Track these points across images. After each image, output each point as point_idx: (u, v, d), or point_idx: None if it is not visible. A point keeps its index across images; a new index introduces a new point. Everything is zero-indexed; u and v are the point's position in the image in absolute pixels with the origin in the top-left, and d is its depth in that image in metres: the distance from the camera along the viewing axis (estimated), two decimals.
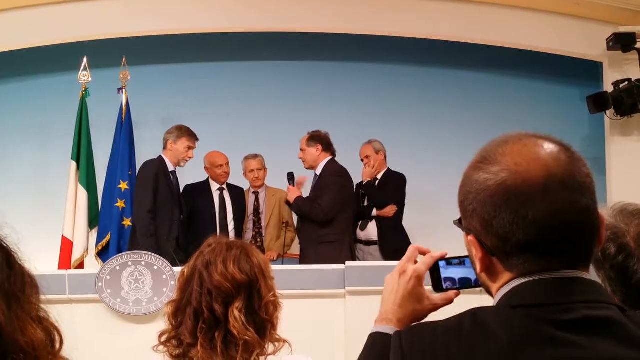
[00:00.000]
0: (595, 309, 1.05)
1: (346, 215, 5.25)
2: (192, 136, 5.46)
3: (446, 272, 1.35)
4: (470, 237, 1.13)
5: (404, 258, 1.38)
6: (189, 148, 5.43)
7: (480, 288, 1.24)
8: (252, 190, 6.00)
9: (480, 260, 1.13)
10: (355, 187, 5.56)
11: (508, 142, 1.10)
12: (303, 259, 5.30)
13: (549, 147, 1.09)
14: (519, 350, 1.02)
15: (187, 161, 5.47)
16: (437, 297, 1.37)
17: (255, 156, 5.97)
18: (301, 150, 5.41)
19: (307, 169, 5.56)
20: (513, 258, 1.08)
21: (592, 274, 1.15)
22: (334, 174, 5.27)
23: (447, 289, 1.35)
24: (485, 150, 1.12)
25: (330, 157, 5.36)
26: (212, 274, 1.87)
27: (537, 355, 1.02)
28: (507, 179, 1.06)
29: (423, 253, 1.39)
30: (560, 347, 1.02)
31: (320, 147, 5.33)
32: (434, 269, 1.36)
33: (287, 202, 5.57)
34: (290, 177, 5.49)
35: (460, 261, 1.34)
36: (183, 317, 1.89)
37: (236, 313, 1.84)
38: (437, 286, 1.35)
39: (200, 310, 1.85)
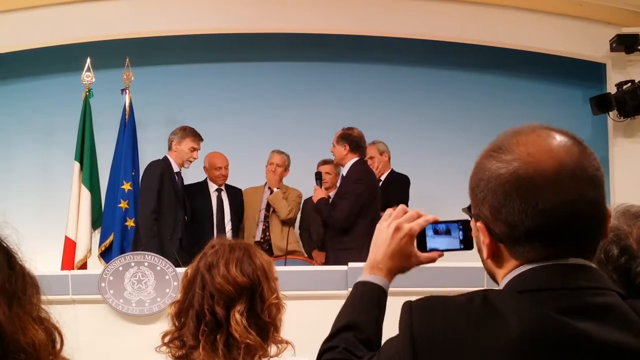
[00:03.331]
0: (598, 296, 1.08)
1: (366, 220, 5.19)
2: (197, 137, 5.47)
3: (432, 238, 1.43)
4: (478, 224, 1.15)
5: (404, 217, 1.43)
6: (193, 149, 5.44)
7: (461, 250, 1.35)
8: (267, 185, 6.00)
9: (487, 246, 1.15)
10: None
11: (522, 132, 1.13)
12: (326, 263, 5.37)
13: (561, 139, 1.12)
14: (526, 340, 1.04)
15: (191, 162, 5.48)
16: (422, 255, 1.43)
17: (281, 153, 5.97)
18: (332, 144, 5.42)
19: (336, 164, 5.64)
20: (520, 246, 1.11)
21: None
22: (354, 180, 5.23)
23: (430, 250, 1.43)
24: (499, 139, 1.14)
25: (357, 158, 5.31)
26: (214, 277, 1.87)
27: (544, 344, 1.03)
28: (519, 168, 1.08)
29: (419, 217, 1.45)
30: (566, 335, 1.03)
31: (347, 147, 5.28)
32: (422, 231, 1.43)
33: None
34: (318, 176, 5.50)
35: (447, 227, 1.41)
36: (186, 318, 1.89)
37: (237, 316, 1.83)
38: (421, 247, 1.43)
39: (202, 312, 1.85)
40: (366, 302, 1.41)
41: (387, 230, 1.43)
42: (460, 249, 1.38)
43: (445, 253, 1.43)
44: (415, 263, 1.43)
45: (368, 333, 1.38)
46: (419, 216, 1.44)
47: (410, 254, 1.42)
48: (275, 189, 5.85)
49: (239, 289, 1.86)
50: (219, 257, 1.90)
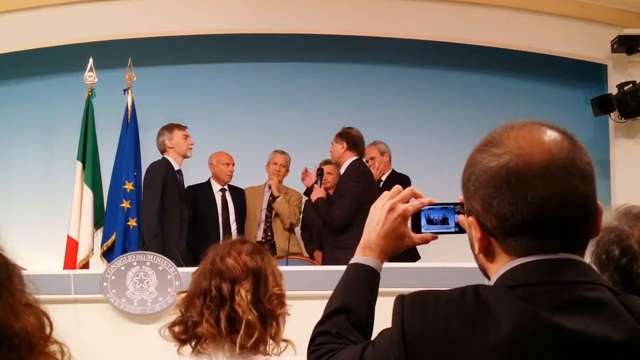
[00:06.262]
0: (589, 290, 1.08)
1: (362, 219, 5.19)
2: (181, 126, 5.60)
3: (426, 223, 1.42)
4: (470, 219, 1.16)
5: (398, 197, 1.44)
6: (186, 136, 5.55)
7: (456, 234, 1.34)
8: (268, 185, 6.01)
9: (478, 240, 1.15)
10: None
11: (513, 127, 1.14)
12: (324, 262, 5.39)
13: (552, 133, 1.12)
14: (516, 339, 1.04)
15: (191, 149, 5.57)
16: (416, 236, 1.44)
17: (283, 153, 6.03)
18: (331, 143, 5.44)
19: (334, 163, 5.66)
20: (511, 239, 1.11)
21: None
22: (352, 179, 5.25)
23: (424, 232, 1.43)
24: (490, 134, 1.15)
25: (355, 157, 5.34)
26: (225, 259, 1.97)
27: (533, 344, 1.04)
28: (509, 161, 1.09)
29: (416, 196, 1.46)
30: (555, 334, 1.04)
31: (345, 145, 5.32)
32: (417, 213, 1.43)
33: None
34: (320, 173, 5.51)
35: (442, 214, 1.41)
36: (193, 303, 1.97)
37: (242, 292, 1.92)
38: (416, 228, 1.43)
39: (208, 289, 1.95)
40: (358, 284, 1.43)
41: (381, 210, 1.45)
42: (455, 232, 1.38)
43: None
44: (409, 243, 1.45)
45: (360, 316, 1.39)
46: (414, 195, 1.45)
47: (403, 234, 1.43)
48: (280, 196, 5.85)
49: (247, 270, 1.96)
50: (231, 246, 2.02)
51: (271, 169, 5.99)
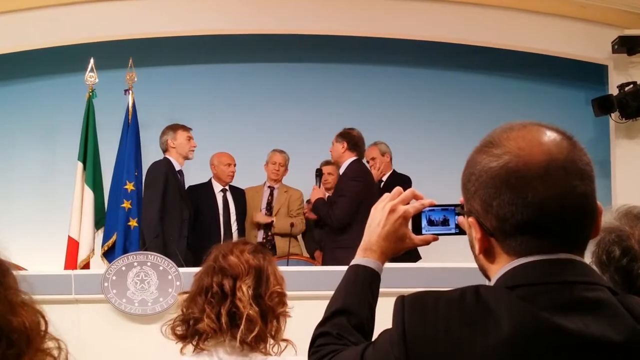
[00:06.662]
0: (589, 291, 1.08)
1: (362, 219, 5.19)
2: (185, 127, 5.62)
3: (427, 225, 1.43)
4: (470, 219, 1.16)
5: (399, 198, 1.44)
6: (189, 138, 5.57)
7: (456, 235, 1.34)
8: (267, 184, 6.02)
9: (479, 241, 1.15)
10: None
11: (513, 128, 1.14)
12: (324, 262, 5.40)
13: (552, 134, 1.12)
14: (516, 340, 1.04)
15: (193, 151, 5.58)
16: (416, 237, 1.44)
17: (282, 152, 6.06)
18: (332, 143, 5.46)
19: (334, 163, 5.68)
20: (511, 239, 1.11)
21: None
22: (352, 178, 5.27)
23: (425, 234, 1.43)
24: (490, 135, 1.15)
25: (354, 157, 5.36)
26: (227, 257, 2.00)
27: (533, 344, 1.04)
28: (509, 162, 1.09)
29: (417, 198, 1.46)
30: (555, 334, 1.04)
31: (345, 145, 5.34)
32: (418, 214, 1.43)
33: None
34: (318, 173, 5.51)
35: (443, 216, 1.41)
36: (194, 301, 1.99)
37: (244, 288, 1.95)
38: (417, 229, 1.43)
39: (210, 286, 1.97)
40: (359, 286, 1.43)
41: (382, 211, 1.45)
42: (455, 234, 1.38)
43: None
44: (410, 245, 1.45)
45: (360, 317, 1.40)
46: (415, 196, 1.45)
47: (404, 235, 1.44)
48: (274, 219, 5.84)
49: (249, 267, 1.98)
50: (233, 245, 2.05)
51: (270, 169, 6.00)
